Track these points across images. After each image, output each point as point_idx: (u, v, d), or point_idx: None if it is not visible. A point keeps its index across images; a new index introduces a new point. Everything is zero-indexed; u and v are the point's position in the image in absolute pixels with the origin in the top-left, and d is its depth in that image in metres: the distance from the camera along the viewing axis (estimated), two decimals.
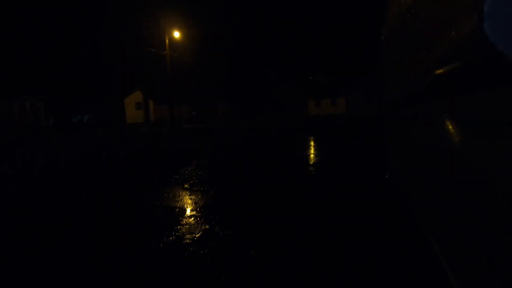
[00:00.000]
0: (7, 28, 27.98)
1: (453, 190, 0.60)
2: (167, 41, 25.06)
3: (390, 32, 1.75)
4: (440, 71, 0.55)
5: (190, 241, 2.02)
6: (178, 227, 2.28)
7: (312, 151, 6.20)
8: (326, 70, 43.01)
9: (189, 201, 2.98)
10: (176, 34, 25.23)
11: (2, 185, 3.58)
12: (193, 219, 2.44)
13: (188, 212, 2.65)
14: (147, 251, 1.89)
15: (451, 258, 0.65)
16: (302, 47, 44.31)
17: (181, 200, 3.02)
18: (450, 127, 0.59)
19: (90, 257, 1.86)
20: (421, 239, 1.82)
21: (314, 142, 7.79)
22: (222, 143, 8.44)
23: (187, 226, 2.29)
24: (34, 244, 2.08)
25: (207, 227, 2.26)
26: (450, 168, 0.60)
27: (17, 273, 1.70)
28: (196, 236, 2.10)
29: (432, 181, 0.80)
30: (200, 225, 2.31)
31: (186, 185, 3.65)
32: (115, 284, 1.55)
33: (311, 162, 4.85)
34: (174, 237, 2.08)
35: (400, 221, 2.20)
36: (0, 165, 4.12)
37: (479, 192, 0.45)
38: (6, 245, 2.10)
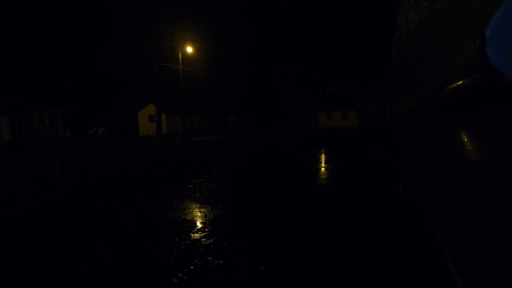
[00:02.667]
0: (27, 44, 29.58)
1: (466, 199, 0.59)
2: (180, 55, 25.85)
3: (400, 47, 1.77)
4: (449, 87, 0.56)
5: (196, 251, 2.02)
6: (185, 238, 2.29)
7: (322, 162, 6.16)
8: (337, 82, 43.03)
9: (198, 214, 2.99)
10: (189, 49, 26.03)
11: (20, 191, 3.70)
12: (201, 230, 2.45)
13: (196, 224, 2.66)
14: (152, 259, 1.90)
15: (462, 265, 0.63)
16: (313, 59, 44.66)
17: (190, 213, 3.04)
18: (464, 139, 0.59)
19: (94, 263, 1.88)
20: (438, 257, 1.77)
21: (324, 153, 7.74)
22: (231, 155, 8.49)
23: (194, 237, 2.29)
24: (39, 250, 2.13)
25: (215, 238, 2.26)
26: (464, 178, 0.60)
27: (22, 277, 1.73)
28: (202, 247, 2.10)
29: (444, 189, 0.80)
30: (207, 236, 2.31)
31: (194, 198, 3.68)
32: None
33: (320, 173, 4.81)
34: (180, 247, 2.09)
35: (413, 230, 2.14)
36: (19, 174, 4.28)
37: (494, 202, 0.45)
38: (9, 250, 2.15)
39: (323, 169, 5.51)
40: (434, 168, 0.93)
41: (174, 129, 37.90)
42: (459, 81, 0.46)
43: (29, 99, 21.73)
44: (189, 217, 2.88)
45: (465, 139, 0.59)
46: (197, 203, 3.41)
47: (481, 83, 0.38)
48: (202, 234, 2.39)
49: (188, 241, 2.25)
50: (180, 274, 1.75)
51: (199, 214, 2.99)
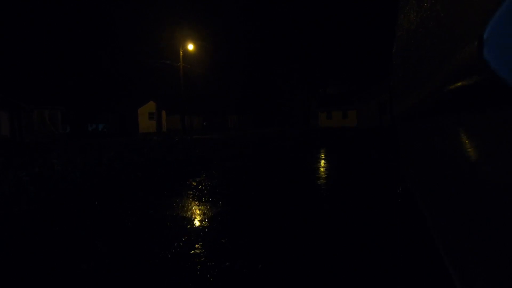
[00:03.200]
0: (28, 43, 29.62)
1: (465, 199, 0.59)
2: (181, 53, 25.81)
3: (401, 47, 1.77)
4: (449, 88, 0.56)
5: (196, 250, 2.02)
6: (185, 237, 2.29)
7: (321, 162, 6.16)
8: (337, 82, 43.02)
9: (198, 213, 3.00)
10: (190, 47, 25.97)
11: (20, 190, 3.71)
12: (201, 230, 2.45)
13: (195, 223, 2.66)
14: (152, 259, 1.91)
15: (461, 265, 0.64)
16: (313, 59, 44.69)
17: (189, 212, 3.05)
18: (464, 139, 0.59)
19: (94, 262, 1.88)
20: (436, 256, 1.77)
21: (323, 153, 7.74)
22: (231, 155, 8.49)
23: (194, 236, 2.30)
24: (38, 249, 2.13)
25: (214, 237, 2.26)
26: (463, 178, 0.60)
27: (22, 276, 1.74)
28: (202, 246, 2.10)
29: (444, 189, 0.80)
30: (206, 235, 2.32)
31: (194, 197, 3.68)
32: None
33: (319, 172, 4.82)
34: (180, 245, 2.09)
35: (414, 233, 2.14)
36: (19, 171, 4.28)
37: (493, 203, 0.45)
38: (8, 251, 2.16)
39: (323, 169, 5.51)
40: (434, 168, 0.93)
41: (174, 127, 37.89)
42: (458, 81, 0.47)
43: (29, 98, 21.71)
44: (189, 217, 2.88)
45: (465, 139, 0.59)
46: (196, 203, 3.41)
47: (480, 84, 0.39)
48: (201, 233, 2.40)
49: (187, 240, 2.25)
50: (180, 273, 1.75)
51: (198, 213, 2.99)
